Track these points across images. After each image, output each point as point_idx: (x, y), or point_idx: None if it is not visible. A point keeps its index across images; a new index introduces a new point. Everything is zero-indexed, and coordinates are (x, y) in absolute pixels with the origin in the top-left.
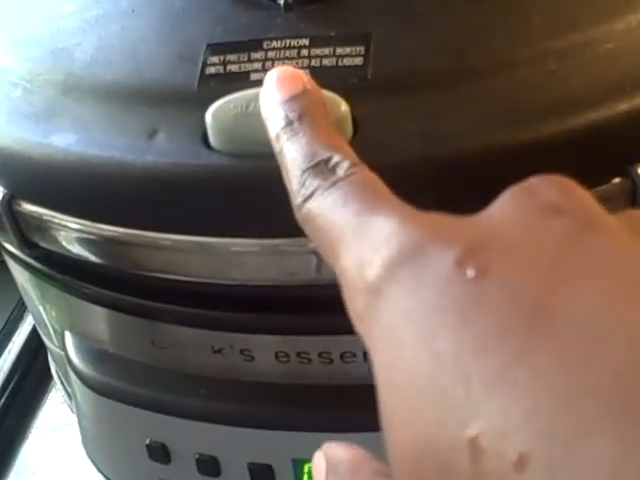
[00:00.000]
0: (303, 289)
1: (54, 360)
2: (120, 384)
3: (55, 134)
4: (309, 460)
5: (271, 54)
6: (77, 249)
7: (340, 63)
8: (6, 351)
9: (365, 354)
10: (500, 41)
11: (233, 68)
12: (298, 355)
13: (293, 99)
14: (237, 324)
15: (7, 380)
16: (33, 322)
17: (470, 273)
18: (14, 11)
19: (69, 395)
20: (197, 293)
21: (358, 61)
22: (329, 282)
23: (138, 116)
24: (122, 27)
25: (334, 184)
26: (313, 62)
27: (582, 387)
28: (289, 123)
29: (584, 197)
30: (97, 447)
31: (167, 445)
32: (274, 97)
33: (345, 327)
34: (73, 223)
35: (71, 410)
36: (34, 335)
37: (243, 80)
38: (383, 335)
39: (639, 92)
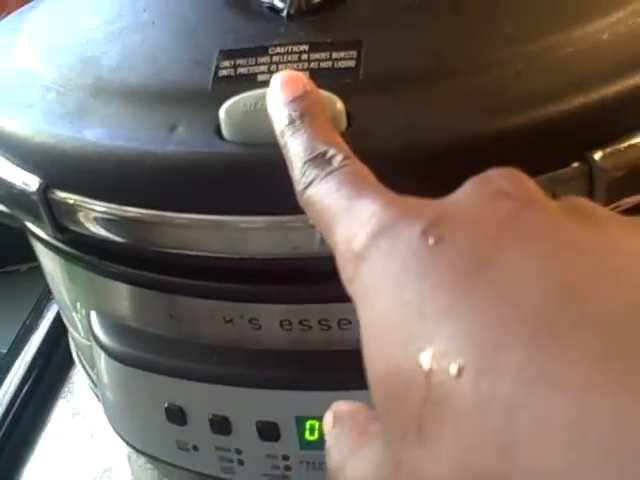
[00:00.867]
0: (304, 261)
1: (77, 347)
2: (141, 354)
3: (86, 130)
4: (311, 417)
5: (276, 58)
6: (104, 231)
7: (335, 65)
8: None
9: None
10: (475, 45)
11: (243, 71)
12: (300, 323)
13: (295, 100)
14: (246, 295)
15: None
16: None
17: (431, 240)
18: (47, 22)
19: (93, 381)
20: (210, 267)
21: (351, 64)
22: (327, 255)
23: (159, 114)
24: (143, 37)
25: (330, 173)
26: (312, 65)
27: (507, 315)
28: (292, 121)
29: (530, 185)
30: (119, 415)
31: (183, 408)
32: (279, 98)
33: (341, 296)
34: (101, 207)
35: (96, 396)
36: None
37: (251, 81)
38: (366, 291)
39: (594, 88)
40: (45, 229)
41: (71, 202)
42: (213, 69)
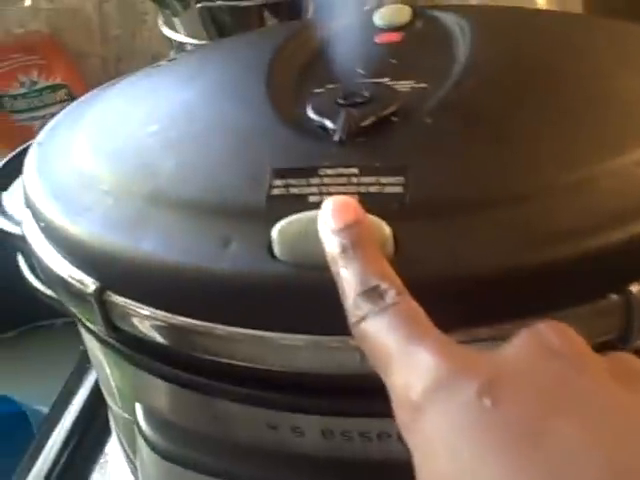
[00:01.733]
0: (347, 378)
1: (116, 423)
2: (185, 451)
3: (142, 240)
4: None
5: (326, 180)
6: (154, 334)
7: (383, 190)
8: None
9: (398, 434)
10: (516, 175)
11: (294, 191)
12: (342, 434)
13: (347, 228)
14: (289, 405)
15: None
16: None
17: (487, 402)
18: (105, 120)
19: (128, 456)
20: (255, 376)
21: (398, 189)
22: (369, 373)
23: (213, 228)
24: (198, 148)
25: (383, 310)
26: (361, 189)
27: None
28: (344, 250)
29: (578, 343)
30: None
31: None
32: (331, 224)
33: (382, 411)
34: (154, 313)
35: (131, 471)
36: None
37: (303, 202)
38: (423, 444)
39: (632, 223)
40: (98, 326)
41: (125, 305)
42: (266, 187)
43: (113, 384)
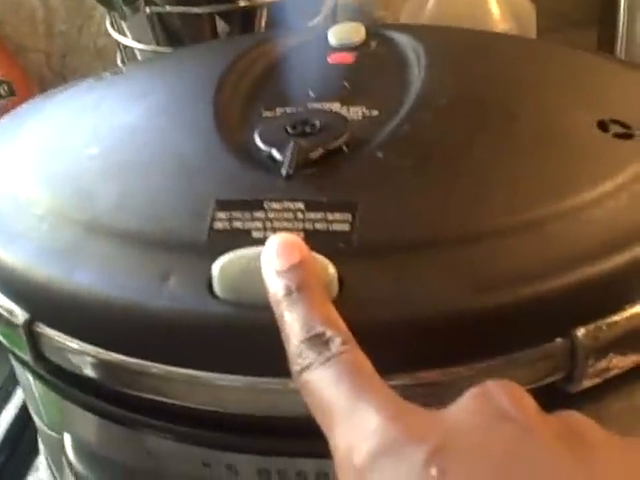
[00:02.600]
0: (284, 419)
1: (45, 445)
2: None
3: (76, 271)
4: None
5: (271, 215)
6: (85, 369)
7: (330, 228)
8: None
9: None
10: (463, 216)
11: (238, 225)
12: (278, 473)
13: (292, 269)
14: (223, 444)
15: None
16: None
17: (434, 472)
18: (44, 137)
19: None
20: (190, 415)
21: (345, 227)
22: (306, 416)
23: (152, 261)
24: (141, 176)
25: (328, 360)
26: (307, 225)
27: None
28: (289, 292)
29: (527, 405)
30: None
31: None
32: (274, 264)
33: (320, 452)
34: (84, 348)
35: None
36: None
37: (246, 237)
38: None
39: (580, 267)
40: (26, 356)
41: (56, 338)
42: (209, 220)
43: (42, 410)
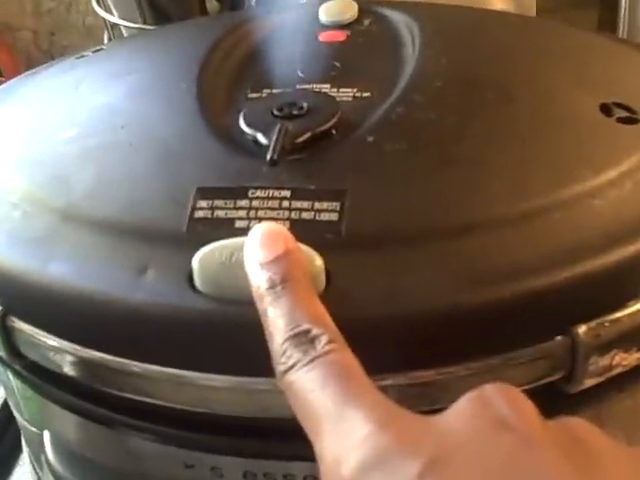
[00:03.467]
0: (271, 421)
1: (25, 438)
2: None
3: (51, 262)
4: None
5: (255, 203)
6: (62, 366)
7: (317, 217)
8: None
9: None
10: (462, 203)
11: (220, 214)
12: (264, 475)
13: (276, 260)
14: (208, 446)
15: None
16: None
17: None
18: (21, 120)
19: (37, 474)
20: (172, 415)
21: (333, 217)
22: (294, 417)
23: (130, 252)
24: (119, 160)
25: (313, 360)
26: (293, 214)
27: None
28: (273, 286)
29: (528, 412)
30: None
31: None
32: (258, 256)
33: (309, 455)
34: (60, 344)
35: None
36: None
37: (228, 226)
38: None
39: (581, 261)
40: (0, 352)
41: (30, 333)
42: (189, 209)
43: (22, 406)
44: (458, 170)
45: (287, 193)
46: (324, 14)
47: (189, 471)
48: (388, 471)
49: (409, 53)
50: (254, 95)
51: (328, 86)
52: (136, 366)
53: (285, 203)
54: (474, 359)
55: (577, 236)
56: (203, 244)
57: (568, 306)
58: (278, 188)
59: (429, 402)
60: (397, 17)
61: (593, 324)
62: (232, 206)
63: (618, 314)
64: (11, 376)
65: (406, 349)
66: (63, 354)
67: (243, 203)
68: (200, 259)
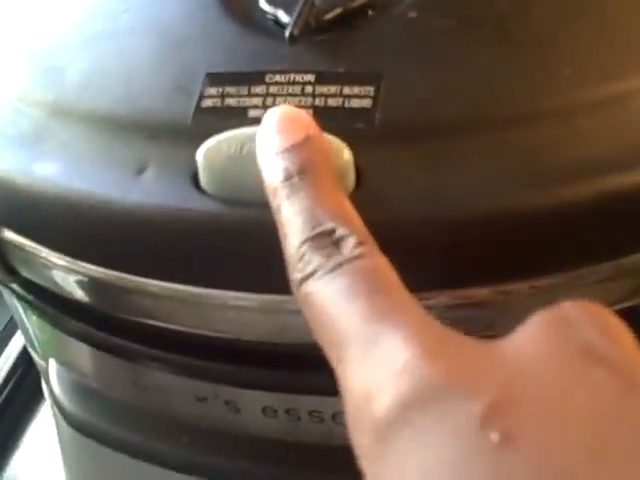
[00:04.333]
0: (294, 346)
1: (40, 372)
2: (100, 423)
3: (39, 162)
4: None
5: (273, 89)
6: (57, 283)
7: (346, 104)
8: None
9: None
10: (522, 90)
11: (231, 102)
12: (287, 412)
13: (294, 148)
14: (222, 376)
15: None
16: None
17: (495, 437)
18: (11, 19)
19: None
20: (179, 340)
21: (366, 103)
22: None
23: (128, 148)
24: (119, 47)
25: (338, 267)
26: (317, 101)
27: None
28: (289, 177)
29: (625, 340)
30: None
31: None
32: (273, 143)
33: (336, 389)
34: (54, 258)
35: None
36: None
37: (240, 116)
38: None
39: None
40: None
41: (21, 246)
42: (196, 97)
43: (28, 331)
44: (519, 50)
45: (311, 77)
46: None
47: (201, 405)
48: (437, 413)
49: None
50: None
51: None
52: (134, 281)
53: (308, 88)
54: (539, 276)
55: None
56: (210, 137)
57: None
58: (300, 72)
59: (483, 328)
60: None
61: None
62: (246, 93)
63: None
64: (14, 299)
65: (453, 261)
66: (56, 268)
67: (259, 89)
68: (205, 153)
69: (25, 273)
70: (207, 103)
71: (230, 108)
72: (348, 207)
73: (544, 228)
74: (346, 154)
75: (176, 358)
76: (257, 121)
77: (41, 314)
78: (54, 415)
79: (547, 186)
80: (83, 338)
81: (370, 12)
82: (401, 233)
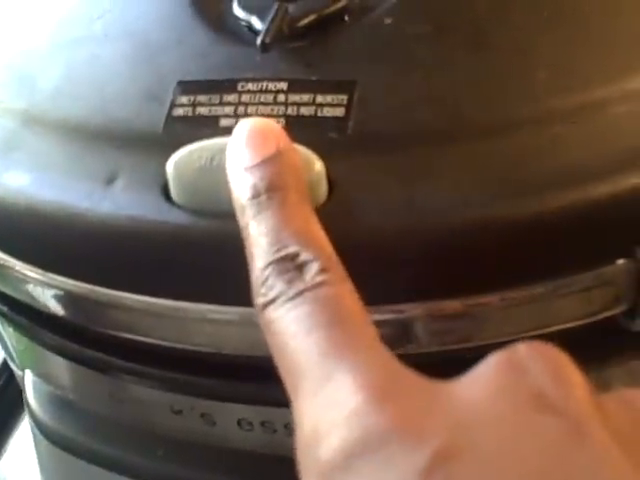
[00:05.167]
0: (269, 359)
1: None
2: (75, 435)
3: (10, 171)
4: None
5: (245, 98)
6: (31, 296)
7: (319, 113)
8: None
9: None
10: (498, 97)
11: (203, 111)
12: (262, 424)
13: (264, 163)
14: (197, 389)
15: None
16: None
17: None
18: None
19: None
20: (154, 353)
21: (339, 112)
22: None
23: (98, 158)
24: (92, 54)
25: (299, 294)
26: (290, 110)
27: None
28: (256, 195)
29: (577, 386)
30: None
31: None
32: (242, 157)
33: None
34: (27, 270)
35: None
36: None
37: (212, 125)
38: None
39: None
40: None
41: None
42: (167, 105)
43: (5, 341)
44: (496, 57)
45: (284, 85)
46: None
47: (177, 418)
48: (381, 463)
49: None
50: None
51: None
52: (107, 294)
53: (281, 97)
54: (513, 287)
55: None
56: (181, 146)
57: (633, 221)
58: (273, 80)
59: (460, 340)
60: None
61: None
62: (217, 102)
63: None
64: None
65: (425, 273)
66: (30, 281)
67: (231, 98)
68: (176, 163)
69: None
70: (178, 112)
71: (202, 117)
72: (315, 228)
73: (516, 238)
74: (317, 166)
75: (151, 371)
76: (228, 130)
77: (17, 326)
78: (31, 427)
79: (523, 196)
80: (58, 351)
81: (345, 18)
82: (374, 245)
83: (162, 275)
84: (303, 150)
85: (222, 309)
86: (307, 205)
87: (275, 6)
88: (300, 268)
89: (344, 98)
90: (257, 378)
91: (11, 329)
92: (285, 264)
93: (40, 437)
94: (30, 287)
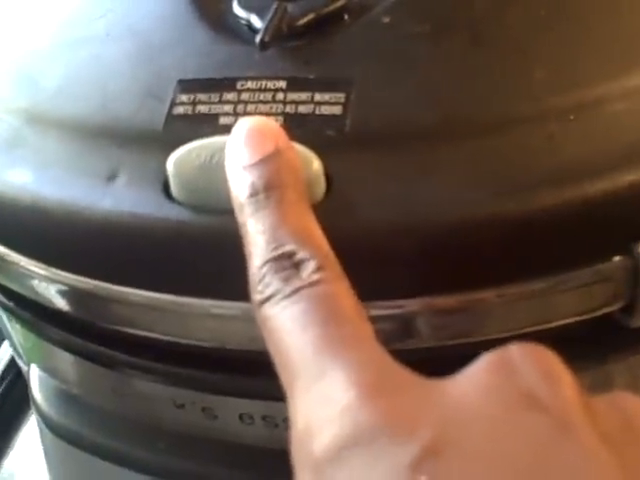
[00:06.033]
0: (269, 353)
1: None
2: (80, 429)
3: (13, 168)
4: None
5: (244, 96)
6: (36, 291)
7: (317, 111)
8: None
9: None
10: (495, 95)
11: (202, 109)
12: (263, 419)
13: (262, 162)
14: (199, 383)
15: None
16: None
17: None
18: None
19: None
20: (157, 348)
21: (337, 110)
22: None
23: (100, 155)
24: (93, 54)
25: (295, 292)
26: (288, 108)
27: None
28: (254, 193)
29: (565, 385)
30: None
31: None
32: (241, 156)
33: None
34: (31, 266)
35: None
36: None
37: (212, 123)
38: None
39: None
40: None
41: None
42: (168, 104)
43: (11, 336)
44: (493, 56)
45: (282, 84)
46: None
47: (179, 412)
48: (371, 456)
49: None
50: None
51: None
52: (110, 289)
53: (279, 95)
54: (510, 283)
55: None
56: (181, 144)
57: (629, 218)
58: (272, 78)
59: (455, 335)
60: None
61: None
62: (217, 100)
63: None
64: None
65: (422, 269)
66: (29, 274)
67: (230, 96)
68: (176, 161)
69: (4, 281)
70: (179, 110)
71: (201, 115)
72: (313, 226)
73: (518, 235)
74: (315, 164)
75: (154, 365)
76: (228, 129)
77: (23, 322)
78: (37, 421)
79: (521, 192)
80: (64, 346)
81: (344, 17)
82: (371, 241)
83: (163, 270)
84: (301, 148)
85: (224, 304)
86: (305, 203)
87: (274, 5)
88: (297, 266)
89: (342, 96)
90: (258, 373)
91: (18, 325)
92: (282, 262)
93: (46, 431)
94: (35, 282)
